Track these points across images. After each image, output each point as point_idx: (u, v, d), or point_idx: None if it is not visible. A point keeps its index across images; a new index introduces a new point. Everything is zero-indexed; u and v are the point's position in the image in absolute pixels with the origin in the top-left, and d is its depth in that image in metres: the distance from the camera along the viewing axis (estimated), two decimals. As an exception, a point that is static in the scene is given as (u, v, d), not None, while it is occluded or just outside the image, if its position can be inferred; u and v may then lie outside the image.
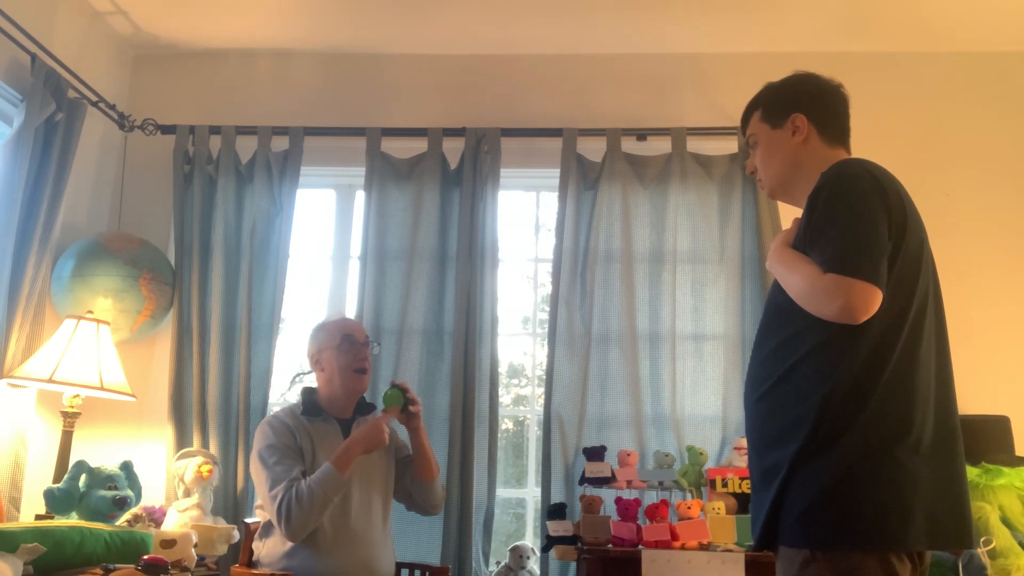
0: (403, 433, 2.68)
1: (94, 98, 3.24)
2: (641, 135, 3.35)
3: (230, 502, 3.04)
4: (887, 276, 1.48)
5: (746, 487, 2.74)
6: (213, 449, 3.07)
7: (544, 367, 3.17)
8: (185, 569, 2.45)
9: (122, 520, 2.60)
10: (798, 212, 1.71)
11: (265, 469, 2.36)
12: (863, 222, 1.50)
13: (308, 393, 2.58)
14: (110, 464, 2.69)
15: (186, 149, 3.40)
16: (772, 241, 3.25)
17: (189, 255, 3.27)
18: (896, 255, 1.52)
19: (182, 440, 3.10)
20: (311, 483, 2.29)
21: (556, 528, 2.75)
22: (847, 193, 1.54)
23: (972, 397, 3.06)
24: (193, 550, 2.49)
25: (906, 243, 1.54)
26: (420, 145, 3.36)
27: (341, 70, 3.61)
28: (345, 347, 2.54)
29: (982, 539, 2.50)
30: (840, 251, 1.48)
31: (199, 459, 2.87)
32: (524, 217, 3.60)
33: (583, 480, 2.84)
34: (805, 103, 1.77)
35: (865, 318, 1.45)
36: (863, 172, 1.58)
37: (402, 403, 2.52)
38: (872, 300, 1.45)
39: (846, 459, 1.46)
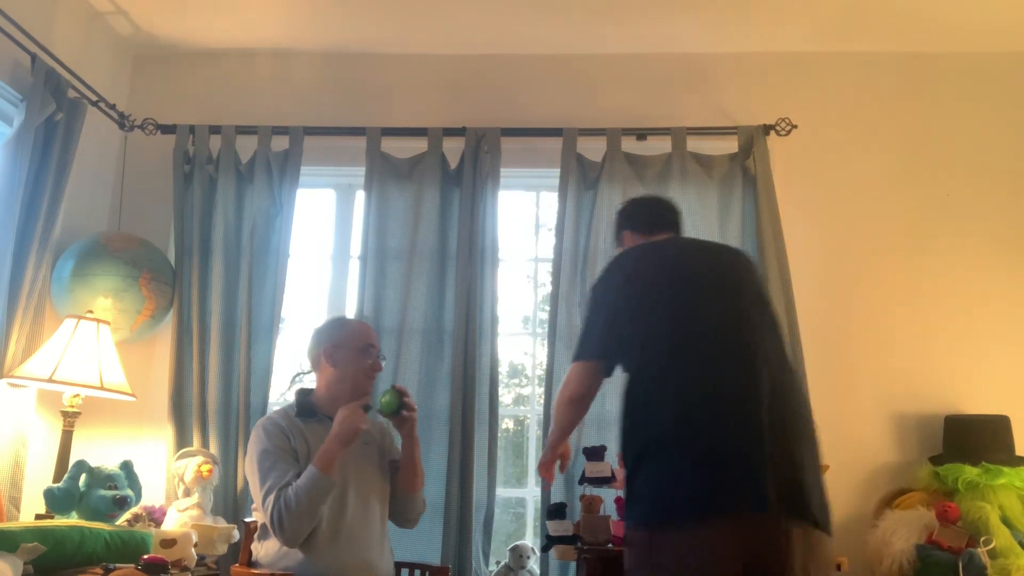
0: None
1: (94, 98, 3.24)
2: (641, 135, 3.35)
3: (230, 502, 3.04)
4: (625, 338, 1.94)
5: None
6: (213, 449, 3.07)
7: (544, 367, 3.17)
8: (185, 569, 2.45)
9: (122, 520, 2.60)
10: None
11: (258, 476, 2.34)
12: (589, 312, 2.06)
13: (303, 394, 2.56)
14: (110, 464, 2.69)
15: (186, 149, 3.40)
16: (772, 241, 3.25)
17: (189, 255, 3.27)
18: (634, 318, 1.94)
19: (182, 440, 3.10)
20: (297, 489, 2.27)
21: (556, 528, 2.74)
22: (591, 289, 2.12)
23: (972, 397, 3.07)
24: (193, 550, 2.49)
25: (642, 306, 1.95)
26: (420, 145, 3.36)
27: (341, 70, 3.61)
28: (367, 354, 2.54)
29: (982, 539, 2.50)
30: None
31: (199, 459, 2.87)
32: (524, 217, 3.60)
33: (583, 480, 2.84)
34: (622, 221, 2.36)
35: (587, 386, 2.01)
36: (608, 266, 2.10)
37: (396, 408, 2.46)
38: (584, 372, 2.00)
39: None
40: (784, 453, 1.73)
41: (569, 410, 2.06)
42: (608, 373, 2.01)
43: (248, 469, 2.42)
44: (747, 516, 1.68)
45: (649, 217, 2.30)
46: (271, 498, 2.28)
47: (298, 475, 2.33)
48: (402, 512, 2.58)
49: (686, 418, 1.78)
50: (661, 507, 1.75)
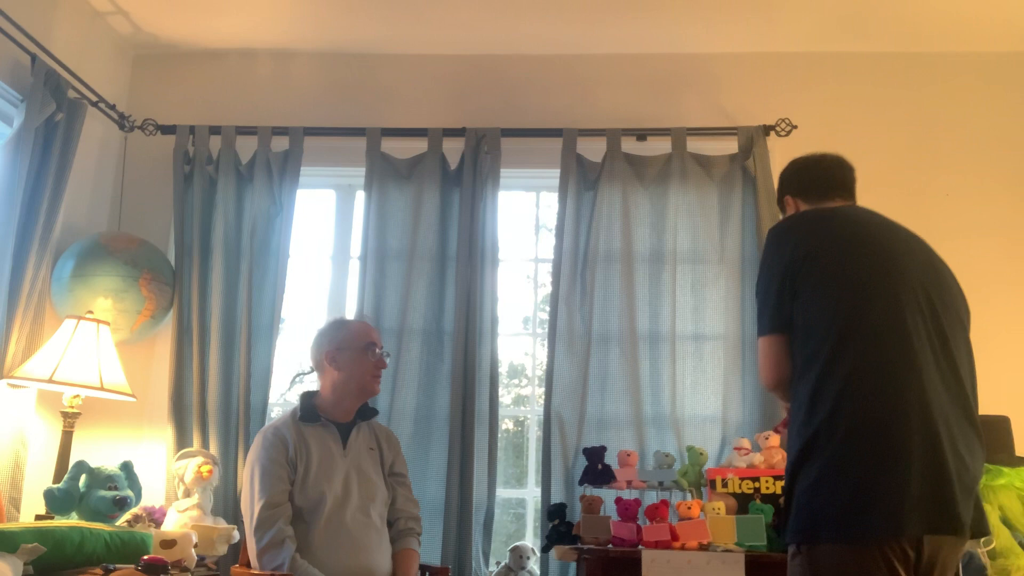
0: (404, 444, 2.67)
1: (94, 98, 3.24)
2: (641, 135, 3.35)
3: (230, 502, 3.03)
4: (796, 306, 1.79)
5: (746, 487, 2.75)
6: (213, 449, 3.07)
7: (544, 367, 3.17)
8: (185, 569, 2.44)
9: (122, 520, 2.60)
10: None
11: (252, 497, 2.36)
12: (761, 283, 1.87)
13: (307, 398, 2.56)
14: (110, 464, 2.69)
15: (186, 149, 3.40)
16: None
17: (189, 255, 3.27)
18: (804, 287, 1.79)
19: (182, 440, 3.10)
20: (297, 568, 2.26)
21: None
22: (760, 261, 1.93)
23: (972, 397, 3.07)
24: (193, 550, 2.49)
25: (808, 274, 1.79)
26: (420, 145, 3.36)
27: (341, 70, 3.61)
28: (370, 353, 2.54)
29: (982, 539, 2.50)
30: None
31: (199, 459, 2.87)
32: (524, 217, 3.60)
33: (583, 480, 2.84)
34: (786, 184, 2.14)
35: (775, 366, 1.82)
36: (772, 231, 1.92)
37: None
38: (768, 346, 1.82)
39: (815, 466, 1.68)
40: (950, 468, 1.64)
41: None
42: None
43: (244, 478, 2.43)
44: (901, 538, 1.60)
45: (823, 180, 2.07)
46: (267, 538, 2.28)
47: (290, 493, 2.35)
48: None
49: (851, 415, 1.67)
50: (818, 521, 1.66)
